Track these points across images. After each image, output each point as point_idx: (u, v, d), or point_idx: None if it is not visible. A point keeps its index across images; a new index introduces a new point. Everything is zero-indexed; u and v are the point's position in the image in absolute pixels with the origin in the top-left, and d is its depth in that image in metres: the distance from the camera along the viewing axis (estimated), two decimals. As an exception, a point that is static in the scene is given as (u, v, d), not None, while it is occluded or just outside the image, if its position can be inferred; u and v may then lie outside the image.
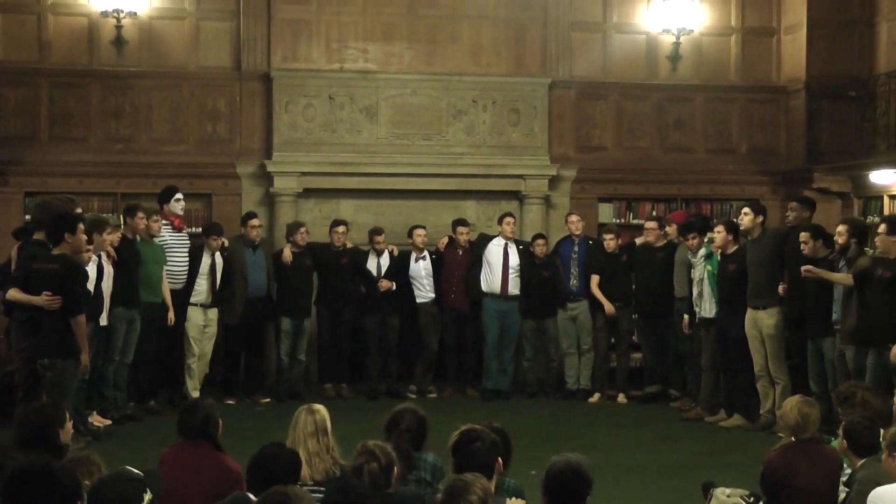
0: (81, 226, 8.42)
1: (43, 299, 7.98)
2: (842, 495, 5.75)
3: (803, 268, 9.57)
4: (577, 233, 12.07)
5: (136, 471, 4.33)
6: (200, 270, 11.22)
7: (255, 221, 11.69)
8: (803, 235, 9.90)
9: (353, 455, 4.91)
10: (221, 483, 5.11)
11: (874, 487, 5.02)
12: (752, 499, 6.23)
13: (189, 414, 5.67)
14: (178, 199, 11.27)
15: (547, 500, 4.34)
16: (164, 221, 11.07)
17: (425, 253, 12.10)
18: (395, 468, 4.93)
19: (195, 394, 10.89)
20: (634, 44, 13.71)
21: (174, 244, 11.12)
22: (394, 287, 11.92)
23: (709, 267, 10.79)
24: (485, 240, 12.21)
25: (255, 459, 4.91)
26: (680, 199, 13.52)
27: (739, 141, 13.84)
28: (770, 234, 10.55)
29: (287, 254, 11.69)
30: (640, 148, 13.64)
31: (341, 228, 11.93)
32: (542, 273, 12.03)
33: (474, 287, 12.06)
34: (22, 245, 8.80)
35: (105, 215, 11.48)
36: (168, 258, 11.03)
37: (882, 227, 9.20)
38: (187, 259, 11.19)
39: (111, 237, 10.02)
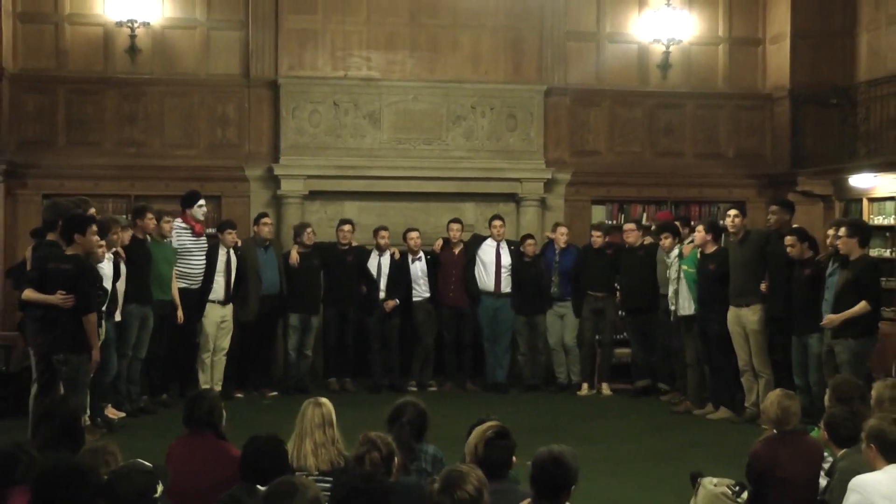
0: (93, 227, 8.44)
1: (58, 298, 8.01)
2: (823, 483, 5.77)
3: (828, 322, 9.30)
4: (563, 245, 12.09)
5: (147, 463, 4.35)
6: (217, 268, 11.23)
7: (266, 220, 11.73)
8: (789, 239, 9.89)
9: (356, 445, 4.93)
10: (226, 471, 5.12)
11: (854, 476, 5.05)
12: (737, 488, 6.24)
13: (195, 405, 5.69)
14: (200, 206, 11.27)
15: (535, 490, 4.37)
16: (185, 225, 11.10)
17: (420, 254, 12.12)
18: (396, 458, 4.96)
19: (206, 387, 10.89)
20: (626, 53, 13.73)
21: (193, 248, 11.13)
22: (398, 302, 11.96)
23: (684, 266, 10.81)
24: (478, 240, 12.25)
25: (243, 452, 4.95)
26: (670, 201, 13.54)
27: (727, 146, 13.86)
28: (752, 236, 10.55)
29: (294, 256, 11.70)
30: (632, 152, 13.66)
31: (347, 227, 11.96)
32: (530, 271, 12.05)
33: (472, 284, 12.10)
34: (35, 246, 8.81)
35: (117, 216, 11.52)
36: (186, 261, 11.05)
37: (843, 230, 9.24)
38: (205, 262, 11.20)
39: (121, 236, 10.04)
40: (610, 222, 13.14)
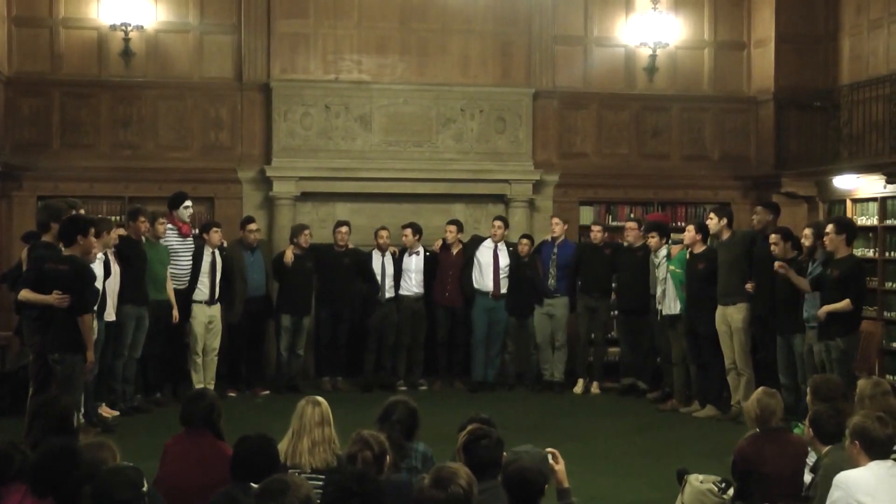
0: (93, 229, 8.44)
1: (54, 298, 7.99)
2: (807, 480, 5.77)
3: (777, 264, 9.62)
4: (556, 234, 12.09)
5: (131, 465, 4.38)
6: (202, 269, 11.20)
7: (252, 226, 11.69)
8: (773, 237, 9.96)
9: (349, 443, 4.92)
10: (222, 470, 5.10)
11: (838, 472, 5.05)
12: (723, 485, 6.24)
13: (194, 403, 5.68)
14: (186, 207, 11.26)
15: (509, 498, 4.37)
16: (171, 226, 11.07)
17: (420, 249, 12.10)
18: (388, 457, 4.95)
19: (199, 386, 10.87)
20: (613, 56, 13.73)
21: (180, 248, 11.12)
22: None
23: (671, 266, 10.82)
24: (477, 241, 12.24)
25: (234, 451, 4.94)
26: (656, 202, 13.54)
27: (712, 148, 13.88)
28: (739, 236, 10.61)
29: (289, 255, 11.67)
30: (619, 154, 13.67)
31: (344, 229, 11.94)
32: (525, 272, 12.04)
33: (467, 286, 12.08)
34: (31, 248, 8.79)
35: (109, 217, 11.51)
36: (174, 261, 11.04)
37: (830, 227, 9.30)
38: (192, 262, 11.18)
39: (114, 236, 10.01)
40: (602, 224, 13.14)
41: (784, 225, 10.70)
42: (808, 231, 9.83)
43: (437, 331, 12.25)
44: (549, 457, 4.58)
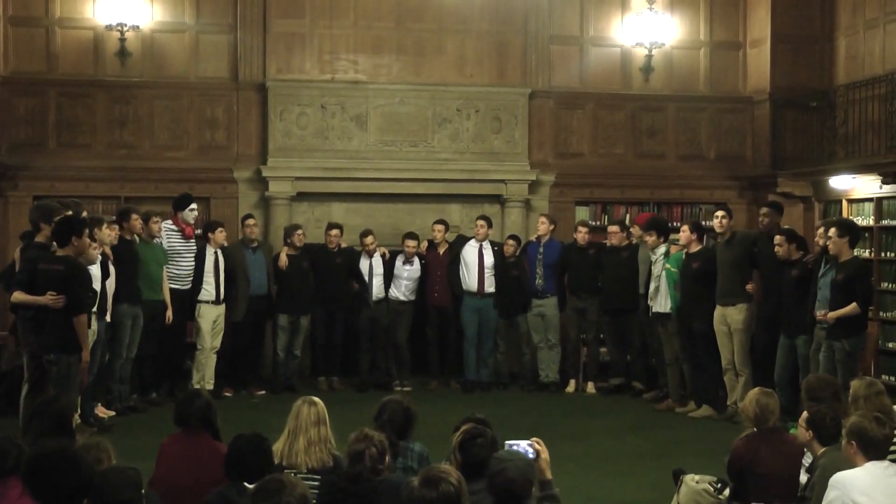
0: (86, 230, 8.42)
1: (48, 299, 7.97)
2: (803, 480, 5.77)
3: (820, 314, 9.23)
4: (541, 233, 12.08)
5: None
6: (206, 268, 11.21)
7: (251, 221, 11.75)
8: (778, 238, 9.88)
9: (351, 441, 4.91)
10: (218, 469, 5.10)
11: (835, 473, 5.05)
12: (719, 485, 6.23)
13: (188, 403, 5.66)
14: (192, 209, 11.28)
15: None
16: (175, 228, 11.08)
17: (415, 259, 12.08)
18: (387, 456, 4.94)
19: (198, 386, 10.86)
20: (609, 56, 13.74)
21: (182, 250, 11.14)
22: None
23: (668, 265, 10.81)
24: (462, 240, 12.23)
25: (228, 451, 4.94)
26: (652, 202, 13.56)
27: (708, 148, 13.89)
28: (739, 237, 10.58)
29: (283, 259, 11.69)
30: (615, 154, 13.68)
31: (335, 231, 11.93)
32: (511, 272, 12.04)
33: (455, 283, 12.06)
34: (24, 248, 8.76)
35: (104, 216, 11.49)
36: (177, 262, 11.06)
37: (833, 231, 9.20)
38: (194, 263, 11.20)
39: (109, 233, 9.97)
40: (593, 223, 13.14)
41: (789, 227, 10.66)
42: (822, 230, 9.60)
43: (428, 330, 12.24)
44: (534, 445, 4.57)
